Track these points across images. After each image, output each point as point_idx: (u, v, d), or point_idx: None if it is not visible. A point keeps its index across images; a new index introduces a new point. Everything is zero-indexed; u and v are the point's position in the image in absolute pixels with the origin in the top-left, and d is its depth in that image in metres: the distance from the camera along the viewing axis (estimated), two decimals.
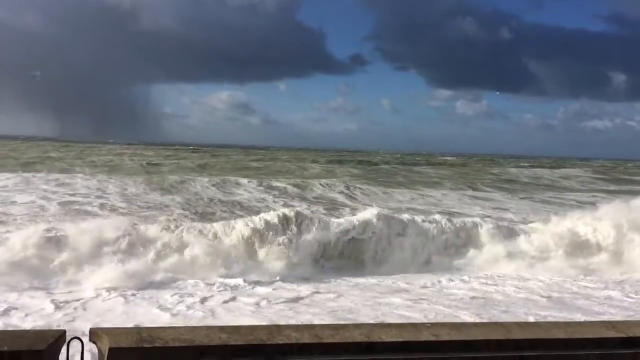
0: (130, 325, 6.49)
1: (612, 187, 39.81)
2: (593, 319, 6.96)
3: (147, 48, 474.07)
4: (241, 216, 14.37)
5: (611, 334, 2.64)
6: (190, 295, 8.53)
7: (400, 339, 2.50)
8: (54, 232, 10.57)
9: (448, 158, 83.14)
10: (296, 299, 8.60)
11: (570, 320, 6.15)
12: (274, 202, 21.85)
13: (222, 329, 2.44)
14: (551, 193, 32.20)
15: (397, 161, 65.67)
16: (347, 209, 20.00)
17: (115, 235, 10.35)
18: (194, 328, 2.57)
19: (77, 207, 16.95)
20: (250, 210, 18.67)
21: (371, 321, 7.05)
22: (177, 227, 11.58)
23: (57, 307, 7.61)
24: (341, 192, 26.08)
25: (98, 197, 19.58)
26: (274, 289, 9.20)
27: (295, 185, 27.08)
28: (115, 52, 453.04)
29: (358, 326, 2.60)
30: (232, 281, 9.37)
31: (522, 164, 74.77)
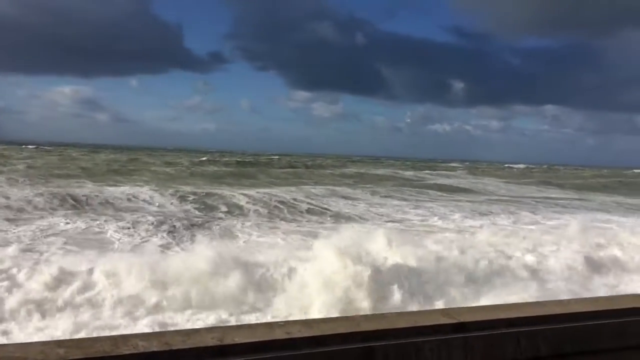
0: None
1: (529, 189, 40.55)
2: (431, 308, 7.59)
3: None
4: None
5: (444, 320, 2.87)
6: None
7: (253, 340, 2.50)
8: None
9: (325, 159, 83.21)
10: None
11: (412, 310, 6.63)
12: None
13: (60, 343, 2.25)
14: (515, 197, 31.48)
15: (283, 164, 61.89)
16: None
17: None
18: (27, 344, 2.33)
19: None
20: None
21: None
22: None
23: None
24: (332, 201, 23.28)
25: None
26: None
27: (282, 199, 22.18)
28: None
29: (210, 330, 2.56)
30: None
31: (402, 165, 76.94)
